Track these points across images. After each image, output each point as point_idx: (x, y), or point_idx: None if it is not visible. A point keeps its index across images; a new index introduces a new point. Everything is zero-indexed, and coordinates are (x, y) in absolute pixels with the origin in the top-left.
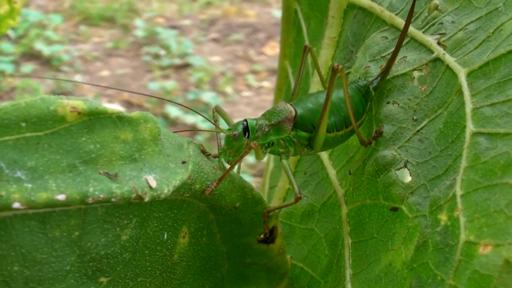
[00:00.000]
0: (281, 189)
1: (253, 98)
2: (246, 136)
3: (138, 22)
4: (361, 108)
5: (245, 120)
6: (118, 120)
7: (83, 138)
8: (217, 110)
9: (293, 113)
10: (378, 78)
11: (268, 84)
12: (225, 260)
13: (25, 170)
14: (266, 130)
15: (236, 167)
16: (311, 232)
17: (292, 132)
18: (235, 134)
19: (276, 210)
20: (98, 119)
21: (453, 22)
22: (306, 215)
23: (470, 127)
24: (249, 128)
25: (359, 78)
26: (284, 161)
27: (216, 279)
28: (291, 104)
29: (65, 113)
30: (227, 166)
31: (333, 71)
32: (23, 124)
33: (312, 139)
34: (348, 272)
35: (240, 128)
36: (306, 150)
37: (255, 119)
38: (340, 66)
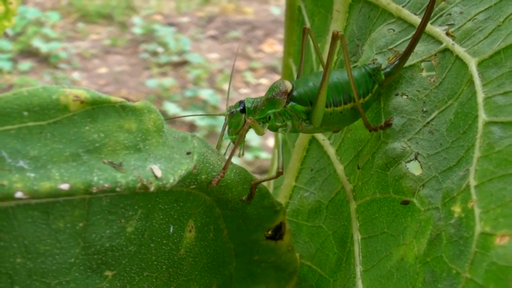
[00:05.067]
0: (286, 187)
1: (251, 95)
2: (244, 112)
3: (136, 19)
4: (365, 87)
5: (244, 99)
6: (122, 109)
7: (87, 127)
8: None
9: (289, 87)
10: (393, 64)
11: (266, 81)
12: (233, 257)
13: (27, 159)
14: (262, 104)
15: (238, 150)
16: (318, 229)
17: (289, 106)
18: (232, 112)
19: (283, 207)
20: (101, 108)
21: (461, 12)
22: (313, 212)
23: (483, 117)
24: (246, 104)
25: (370, 63)
26: (279, 134)
27: (224, 277)
28: (291, 82)
29: (68, 102)
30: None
31: (333, 38)
32: (25, 113)
33: (311, 112)
34: (359, 269)
35: (238, 105)
36: (304, 124)
37: (254, 97)
38: (340, 33)
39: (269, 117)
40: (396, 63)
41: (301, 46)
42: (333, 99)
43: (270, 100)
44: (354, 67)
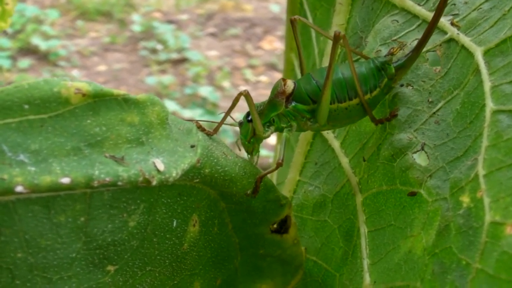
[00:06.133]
0: (291, 181)
1: (250, 93)
2: (250, 121)
3: (135, 16)
4: (373, 82)
5: None
6: (124, 102)
7: (88, 121)
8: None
9: (290, 87)
10: (406, 57)
11: (266, 78)
12: (238, 251)
13: (28, 153)
14: (264, 108)
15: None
16: (323, 224)
17: (291, 106)
18: (240, 122)
19: (289, 200)
20: (104, 101)
21: (466, 2)
22: (318, 206)
23: (490, 105)
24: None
25: (380, 56)
26: (284, 134)
27: (229, 272)
28: (293, 81)
29: (69, 95)
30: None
31: (335, 38)
32: (26, 106)
33: (316, 110)
34: (366, 262)
35: (246, 115)
36: (309, 123)
37: (260, 102)
38: (342, 34)
39: (273, 120)
40: (409, 55)
41: (293, 44)
42: (337, 95)
43: (271, 103)
44: (358, 60)
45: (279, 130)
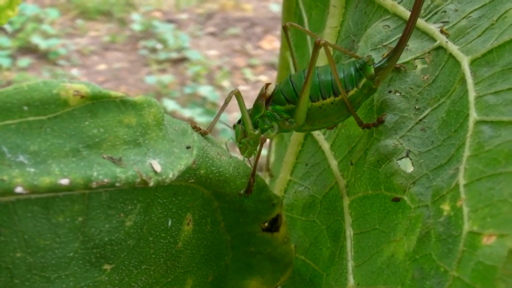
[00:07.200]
0: (282, 180)
1: (250, 92)
2: (240, 123)
3: (135, 16)
4: (349, 82)
5: None
6: (122, 104)
7: (86, 122)
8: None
9: (270, 89)
10: (385, 58)
11: (265, 78)
12: (229, 249)
13: (27, 154)
14: (251, 112)
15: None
16: (312, 224)
17: (270, 107)
18: (234, 125)
19: (281, 199)
20: (102, 103)
21: (456, 10)
22: (308, 207)
23: (474, 116)
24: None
25: (360, 58)
26: (269, 132)
27: (220, 268)
28: (276, 84)
29: (68, 96)
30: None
31: (315, 47)
32: (26, 108)
33: (293, 111)
34: (350, 264)
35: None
36: (287, 123)
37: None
38: (322, 41)
39: (258, 122)
40: (388, 56)
41: (287, 44)
42: (311, 94)
43: (254, 106)
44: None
45: (263, 131)
